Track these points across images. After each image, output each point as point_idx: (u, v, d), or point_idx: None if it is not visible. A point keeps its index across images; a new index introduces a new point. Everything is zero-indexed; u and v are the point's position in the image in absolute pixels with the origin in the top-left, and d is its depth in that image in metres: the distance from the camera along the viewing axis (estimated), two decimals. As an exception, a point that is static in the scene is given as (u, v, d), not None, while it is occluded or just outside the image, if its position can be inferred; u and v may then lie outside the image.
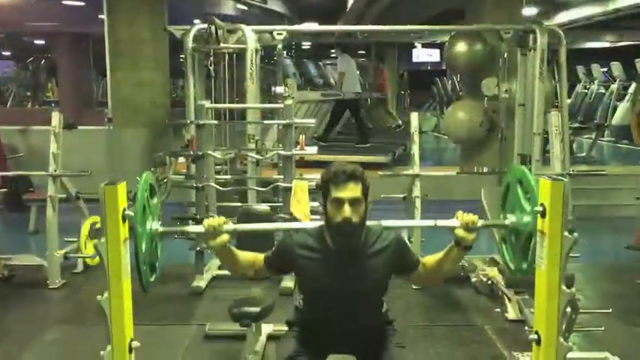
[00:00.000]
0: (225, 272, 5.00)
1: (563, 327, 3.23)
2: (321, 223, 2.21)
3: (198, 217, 4.92)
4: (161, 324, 4.00)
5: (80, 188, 5.25)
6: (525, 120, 6.28)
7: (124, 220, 1.55)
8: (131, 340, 1.62)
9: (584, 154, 10.58)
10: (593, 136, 10.96)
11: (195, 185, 4.98)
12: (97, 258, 4.95)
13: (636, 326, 4.09)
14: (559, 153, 4.88)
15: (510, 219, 1.87)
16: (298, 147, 4.90)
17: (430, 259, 2.25)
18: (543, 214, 1.60)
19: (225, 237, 2.05)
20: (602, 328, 3.60)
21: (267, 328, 3.71)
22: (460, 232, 2.02)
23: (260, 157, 5.23)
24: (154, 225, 1.80)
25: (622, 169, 9.15)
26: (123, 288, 1.54)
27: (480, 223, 1.98)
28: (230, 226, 2.05)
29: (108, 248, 1.52)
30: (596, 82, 13.30)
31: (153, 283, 1.82)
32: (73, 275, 5.05)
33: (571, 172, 5.10)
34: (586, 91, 12.78)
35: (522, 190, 1.80)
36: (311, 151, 5.21)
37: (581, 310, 3.36)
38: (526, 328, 3.57)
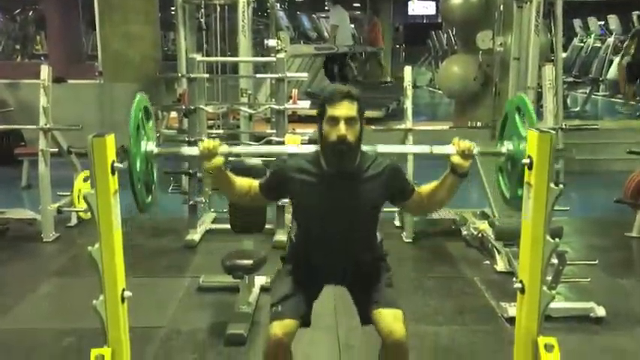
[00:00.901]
0: (219, 226, 5.04)
1: (550, 278, 3.31)
2: (316, 148, 2.21)
3: (190, 171, 4.93)
4: (155, 276, 4.05)
5: (71, 143, 5.22)
6: (520, 74, 6.24)
7: (113, 173, 1.55)
8: (123, 290, 1.64)
9: (578, 108, 10.57)
10: (588, 91, 10.92)
11: (187, 139, 4.95)
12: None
13: (622, 278, 4.17)
14: (552, 107, 4.87)
15: (507, 146, 1.88)
16: (291, 101, 4.87)
17: (426, 188, 2.26)
18: (530, 166, 1.61)
19: (220, 159, 2.06)
20: (589, 280, 3.67)
21: (260, 281, 3.76)
22: (456, 159, 2.03)
23: (252, 112, 5.20)
24: (149, 146, 1.80)
25: (614, 124, 9.17)
26: (114, 239, 1.56)
27: (476, 150, 2.00)
28: (225, 148, 2.05)
29: (98, 200, 1.53)
30: (592, 35, 13.15)
31: (150, 204, 1.83)
32: (66, 229, 5.08)
33: (563, 127, 5.11)
34: (582, 44, 12.65)
35: (520, 118, 1.80)
36: (303, 105, 5.17)
37: (568, 262, 3.43)
38: (514, 279, 3.64)
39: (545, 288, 1.65)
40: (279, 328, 2.16)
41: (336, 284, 2.43)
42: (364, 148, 2.18)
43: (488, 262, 4.36)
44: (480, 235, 4.56)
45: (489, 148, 2.04)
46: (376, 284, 2.31)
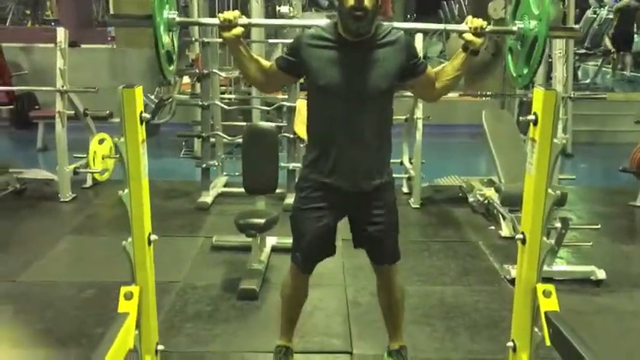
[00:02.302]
0: (231, 189, 5.16)
1: (553, 241, 3.41)
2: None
3: (203, 134, 5.02)
4: (169, 236, 4.16)
5: (86, 106, 5.33)
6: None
7: (141, 122, 1.65)
8: (150, 234, 1.75)
9: (588, 80, 10.52)
10: (599, 63, 10.86)
11: (200, 104, 5.04)
12: (106, 174, 5.11)
13: (624, 244, 4.28)
14: (561, 76, 4.90)
15: (518, 25, 1.95)
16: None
17: (438, 67, 2.33)
18: (535, 122, 1.69)
19: (239, 29, 2.09)
20: (590, 244, 3.77)
21: (271, 241, 3.88)
22: (468, 36, 2.09)
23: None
24: (171, 14, 1.87)
25: (622, 96, 9.15)
26: (142, 185, 1.66)
27: (489, 28, 2.06)
28: (244, 20, 2.09)
29: (127, 148, 1.63)
30: (606, 7, 13.01)
31: (171, 72, 1.91)
32: (82, 190, 5.21)
33: (572, 96, 5.15)
34: (595, 16, 12.52)
35: None
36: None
37: (571, 226, 3.53)
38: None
39: (545, 238, 1.75)
40: (298, 270, 2.39)
41: (348, 211, 2.39)
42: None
43: (493, 227, 4.47)
44: (485, 201, 4.65)
45: (501, 27, 2.12)
46: (383, 222, 2.35)
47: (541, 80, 5.93)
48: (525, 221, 1.78)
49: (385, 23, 2.25)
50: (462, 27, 2.08)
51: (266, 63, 2.32)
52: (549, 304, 1.72)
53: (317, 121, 2.32)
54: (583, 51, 10.56)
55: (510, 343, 1.91)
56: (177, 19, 1.88)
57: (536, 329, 1.79)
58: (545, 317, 1.70)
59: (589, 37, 11.83)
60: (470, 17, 2.11)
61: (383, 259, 2.44)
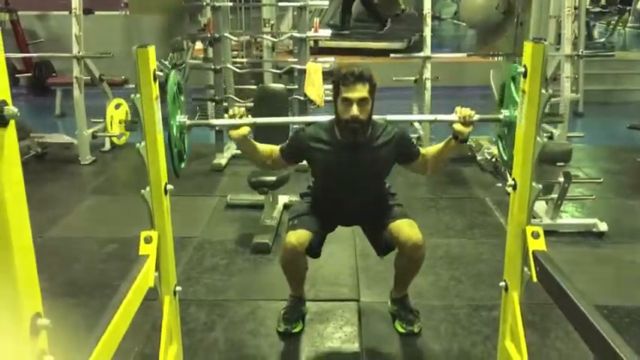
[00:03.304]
0: (244, 151, 5.30)
1: (556, 196, 3.50)
2: (332, 117, 2.43)
3: (216, 97, 5.14)
4: (186, 195, 4.33)
5: (102, 73, 5.47)
6: (542, 2, 6.24)
7: (155, 80, 1.77)
8: (166, 184, 1.90)
9: (603, 39, 10.43)
10: (615, 21, 10.74)
11: (213, 67, 5.15)
12: (123, 138, 5.27)
13: (628, 198, 4.36)
14: (570, 34, 4.92)
15: (504, 113, 2.07)
16: (312, 30, 5.01)
17: (430, 150, 2.50)
18: (525, 75, 1.79)
19: (245, 129, 2.26)
20: (593, 197, 3.87)
21: (283, 199, 4.03)
22: (457, 127, 2.22)
23: (275, 40, 5.34)
24: (182, 118, 2.04)
25: (631, 54, 9.08)
26: (157, 137, 1.80)
27: (476, 117, 2.20)
28: (249, 120, 2.25)
29: (143, 103, 1.76)
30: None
31: (182, 169, 2.10)
32: (101, 153, 5.40)
33: (580, 54, 5.16)
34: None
35: (515, 87, 1.97)
36: (324, 34, 5.30)
37: (573, 180, 3.62)
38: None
39: (534, 184, 1.86)
40: (294, 237, 2.45)
41: (349, 224, 2.76)
42: (374, 117, 2.38)
43: (500, 184, 4.56)
44: (493, 159, 4.74)
45: (488, 115, 2.23)
46: (385, 211, 2.59)
47: (552, 39, 5.95)
48: (516, 168, 1.89)
49: (379, 119, 2.40)
50: (452, 117, 2.20)
51: (271, 151, 2.52)
52: (537, 244, 1.84)
53: (317, 182, 2.66)
54: (598, 9, 10.43)
55: (502, 283, 2.04)
56: (188, 122, 2.06)
57: (525, 269, 1.92)
58: (533, 256, 1.83)
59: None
60: (458, 107, 2.22)
61: (397, 216, 2.54)
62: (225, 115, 2.32)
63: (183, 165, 2.13)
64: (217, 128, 5.13)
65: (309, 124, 2.61)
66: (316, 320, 2.78)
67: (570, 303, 1.61)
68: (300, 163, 2.62)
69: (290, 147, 2.52)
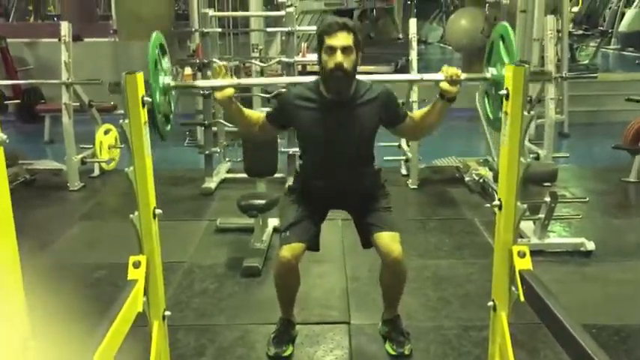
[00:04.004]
0: (234, 175, 5.32)
1: (543, 215, 3.54)
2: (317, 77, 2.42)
3: (206, 122, 5.17)
4: (175, 220, 4.32)
5: (91, 99, 5.49)
6: (526, 26, 6.37)
7: (143, 105, 1.79)
8: (154, 208, 1.90)
9: (587, 61, 10.60)
10: (597, 43, 10.94)
11: (202, 93, 5.19)
12: (112, 163, 5.27)
13: (614, 218, 4.41)
14: (553, 57, 5.02)
15: (491, 72, 2.08)
16: (300, 55, 5.07)
17: (418, 113, 2.50)
18: (507, 97, 1.83)
19: (230, 90, 2.24)
20: (580, 216, 3.91)
21: (272, 222, 4.04)
22: (445, 85, 2.22)
23: (263, 65, 5.40)
24: (166, 80, 2.03)
25: (614, 76, 9.24)
26: (145, 162, 1.81)
27: (463, 76, 2.19)
28: (234, 80, 2.27)
29: (131, 128, 1.78)
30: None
31: (168, 133, 2.08)
32: (90, 179, 5.39)
33: (564, 75, 5.26)
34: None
35: (504, 45, 2.00)
36: (312, 59, 5.35)
37: (560, 200, 3.66)
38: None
39: (519, 203, 1.89)
40: (287, 251, 2.44)
41: (339, 207, 2.67)
42: (360, 77, 2.38)
43: (488, 205, 4.57)
44: (481, 180, 4.78)
45: (475, 74, 2.24)
46: (375, 208, 2.55)
47: (535, 61, 6.06)
48: (501, 188, 1.92)
49: (364, 79, 2.41)
50: (438, 76, 2.20)
51: (257, 116, 2.51)
52: (523, 263, 1.86)
53: (305, 156, 2.61)
54: (581, 32, 10.63)
55: (491, 303, 2.05)
56: (173, 83, 2.05)
57: (513, 288, 1.93)
58: (520, 276, 1.84)
59: (588, 18, 11.90)
60: (445, 66, 2.23)
61: (383, 225, 2.51)
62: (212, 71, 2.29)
63: (169, 127, 2.11)
64: (207, 152, 5.15)
65: (294, 85, 2.60)
66: (306, 343, 2.77)
67: (558, 322, 1.63)
68: (286, 130, 2.61)
69: (276, 110, 2.50)
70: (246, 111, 2.46)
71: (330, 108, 2.40)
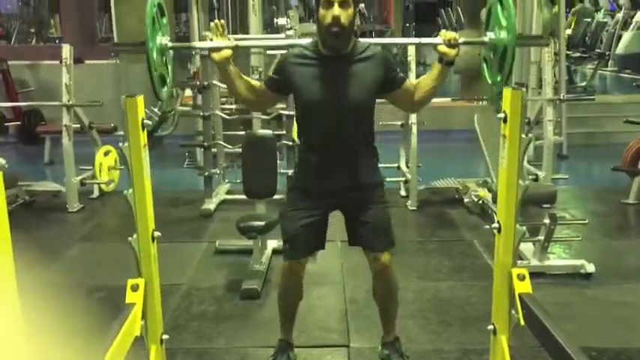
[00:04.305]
0: (233, 196, 5.31)
1: (542, 237, 3.54)
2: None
3: (205, 144, 5.19)
4: (174, 241, 4.30)
5: (91, 120, 5.52)
6: (523, 49, 6.42)
7: (143, 128, 1.80)
8: (153, 230, 1.90)
9: (584, 83, 10.67)
10: (594, 66, 11.01)
11: (201, 114, 5.21)
12: (112, 184, 5.27)
13: (614, 239, 4.40)
14: (550, 79, 5.06)
15: (489, 36, 2.10)
16: (300, 76, 5.09)
17: (416, 80, 2.49)
18: (505, 120, 1.84)
19: (227, 51, 2.23)
20: (579, 238, 3.90)
21: (271, 243, 4.03)
22: (442, 48, 2.22)
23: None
24: (164, 40, 2.02)
25: (618, 98, 9.29)
26: (144, 185, 1.81)
27: (461, 39, 2.20)
28: (232, 41, 2.24)
29: (131, 152, 1.78)
30: (602, 10, 13.21)
31: (165, 94, 2.07)
32: (89, 200, 5.38)
33: (562, 98, 5.29)
34: (589, 20, 12.69)
35: (502, 9, 2.02)
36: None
37: (560, 222, 3.66)
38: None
39: (518, 226, 1.89)
40: (290, 265, 2.48)
41: (338, 199, 2.50)
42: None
43: (488, 226, 4.57)
44: (480, 201, 4.78)
45: (473, 38, 2.25)
46: (369, 214, 2.47)
47: (533, 83, 6.11)
48: (500, 211, 1.92)
49: (362, 40, 2.41)
50: (436, 40, 2.22)
51: (255, 83, 2.48)
52: (523, 286, 1.86)
53: (304, 131, 2.50)
54: (578, 54, 10.70)
55: (491, 327, 2.04)
56: (170, 44, 2.04)
57: (513, 311, 1.93)
58: (520, 299, 1.84)
59: (585, 41, 12.00)
60: (443, 31, 2.26)
61: (377, 244, 2.48)
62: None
63: (165, 89, 2.09)
64: (206, 173, 5.15)
65: (293, 46, 2.55)
66: (305, 367, 2.75)
67: (558, 346, 1.62)
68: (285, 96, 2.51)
69: (274, 73, 2.45)
70: (245, 77, 2.42)
71: (329, 63, 2.35)
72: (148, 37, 1.95)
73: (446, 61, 2.28)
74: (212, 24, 2.24)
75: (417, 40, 2.37)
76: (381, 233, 2.50)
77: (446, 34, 2.23)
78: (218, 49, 2.21)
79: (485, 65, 2.25)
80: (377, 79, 2.37)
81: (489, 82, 2.21)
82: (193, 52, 5.45)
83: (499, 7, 2.06)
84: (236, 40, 2.30)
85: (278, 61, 2.50)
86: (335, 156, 2.42)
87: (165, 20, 2.08)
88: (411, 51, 5.23)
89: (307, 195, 2.49)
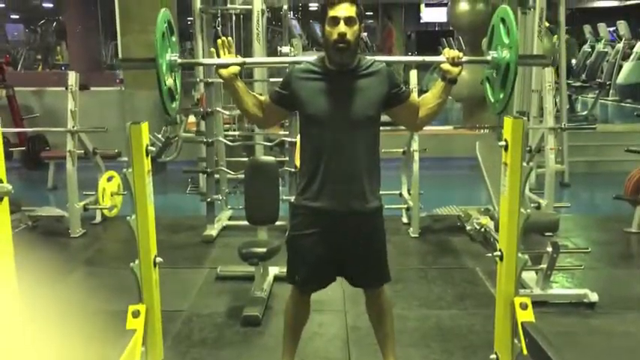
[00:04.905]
0: (235, 222, 5.32)
1: (545, 266, 3.52)
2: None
3: (208, 170, 5.21)
4: (176, 267, 4.30)
5: (95, 146, 5.56)
6: (524, 78, 6.48)
7: (147, 154, 1.82)
8: (155, 256, 1.91)
9: (585, 112, 10.72)
10: (596, 95, 11.08)
11: (205, 141, 5.24)
12: (115, 210, 5.29)
13: (618, 268, 4.38)
14: (551, 108, 5.09)
15: (492, 54, 2.12)
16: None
17: (419, 98, 2.49)
18: (506, 148, 1.85)
19: (235, 67, 2.26)
20: (582, 267, 3.88)
21: (273, 270, 4.02)
22: (446, 66, 2.25)
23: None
24: (173, 57, 2.06)
25: (620, 127, 9.33)
26: (148, 211, 1.83)
27: (465, 58, 2.23)
28: (239, 59, 2.28)
29: (134, 178, 1.80)
30: (602, 41, 13.33)
31: (174, 109, 2.08)
32: (92, 226, 5.39)
33: (563, 127, 5.32)
34: (590, 49, 12.82)
35: (504, 28, 2.04)
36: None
37: (562, 250, 3.65)
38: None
39: (520, 254, 1.89)
40: (301, 293, 2.53)
41: (338, 224, 2.43)
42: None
43: (490, 254, 4.56)
44: (482, 229, 4.77)
45: (476, 57, 2.27)
46: (369, 247, 2.48)
47: (535, 112, 6.14)
48: (502, 239, 1.93)
49: (367, 57, 2.44)
50: (440, 58, 2.25)
51: (262, 98, 2.50)
52: (526, 315, 1.85)
53: (308, 149, 2.47)
54: (579, 83, 10.77)
55: (493, 356, 2.03)
56: (179, 60, 2.07)
57: (515, 340, 1.91)
58: (522, 327, 1.83)
59: (586, 70, 12.10)
60: (447, 49, 2.31)
61: (374, 284, 2.53)
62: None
63: (175, 105, 2.10)
64: (209, 199, 5.17)
65: (299, 63, 2.54)
66: (306, 396, 2.72)
67: (561, 375, 1.61)
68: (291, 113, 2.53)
69: (280, 88, 2.45)
70: (251, 93, 2.44)
71: (335, 78, 2.36)
72: (157, 52, 1.99)
73: (449, 79, 2.30)
74: (219, 41, 2.27)
75: (420, 58, 2.41)
76: (376, 272, 2.52)
77: (449, 52, 2.27)
78: (225, 65, 2.24)
79: (487, 84, 2.27)
80: (382, 93, 2.38)
81: (492, 100, 2.23)
82: (198, 80, 5.49)
83: (501, 25, 2.09)
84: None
85: (284, 77, 2.51)
86: (338, 173, 2.38)
87: (174, 38, 2.12)
88: (413, 80, 5.27)
89: (309, 218, 2.45)
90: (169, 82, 2.04)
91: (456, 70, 2.26)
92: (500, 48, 2.09)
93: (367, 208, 2.42)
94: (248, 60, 2.27)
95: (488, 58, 2.17)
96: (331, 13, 2.29)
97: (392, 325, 2.67)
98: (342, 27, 2.26)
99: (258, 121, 2.54)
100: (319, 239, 2.44)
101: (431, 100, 2.42)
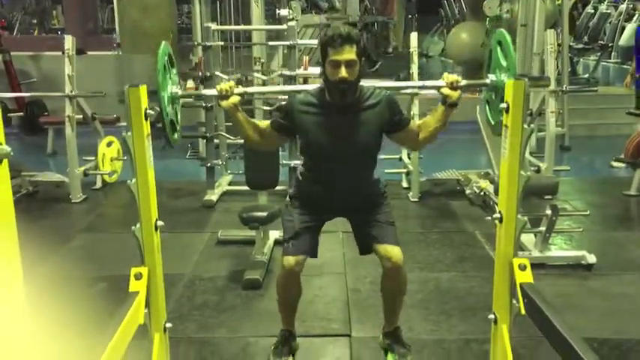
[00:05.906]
0: (235, 187, 5.33)
1: (544, 229, 3.55)
2: (320, 85, 2.44)
3: (207, 134, 5.19)
4: (176, 232, 4.32)
5: (94, 112, 5.53)
6: (527, 40, 6.42)
7: (146, 118, 1.81)
8: (156, 220, 1.91)
9: (587, 75, 10.64)
10: (597, 57, 10.98)
11: (204, 105, 5.21)
12: (115, 175, 5.29)
13: (615, 231, 4.41)
14: (553, 70, 5.04)
15: (491, 77, 2.12)
16: (302, 68, 5.10)
17: (420, 121, 2.51)
18: (507, 110, 1.84)
19: (235, 98, 2.29)
20: (581, 229, 3.91)
21: (274, 234, 4.04)
22: (446, 91, 2.26)
23: (265, 78, 5.43)
24: (174, 89, 2.09)
25: (615, 89, 9.27)
26: (148, 174, 1.82)
27: (464, 82, 2.23)
28: (240, 89, 2.30)
29: (134, 141, 1.79)
30: (605, 2, 13.13)
31: (176, 140, 2.15)
32: (92, 191, 5.40)
33: (564, 89, 5.28)
34: (593, 11, 12.63)
35: (501, 51, 2.04)
36: (314, 72, 5.39)
37: (561, 214, 3.67)
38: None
39: (519, 216, 1.90)
40: (289, 261, 2.46)
41: (339, 215, 2.64)
42: (363, 83, 2.39)
43: (489, 217, 4.58)
44: (482, 192, 4.79)
45: (475, 80, 2.28)
46: (377, 220, 2.53)
47: (536, 74, 6.09)
48: (502, 201, 1.93)
49: (367, 84, 2.43)
50: (439, 83, 2.25)
51: (262, 124, 2.53)
52: (524, 276, 1.87)
53: (309, 163, 2.57)
54: (581, 46, 10.66)
55: (491, 316, 2.05)
56: (180, 92, 2.13)
57: (514, 301, 1.94)
58: (521, 288, 1.85)
59: (588, 32, 11.95)
60: (446, 73, 2.28)
61: (388, 238, 2.50)
62: (216, 88, 2.29)
63: (176, 135, 2.16)
64: (208, 164, 5.17)
65: (299, 92, 2.60)
66: (307, 357, 2.77)
67: (559, 336, 1.63)
68: (290, 137, 2.57)
69: (280, 114, 2.50)
70: (252, 120, 2.48)
71: (334, 112, 2.40)
72: (159, 85, 2.02)
73: (449, 103, 2.30)
74: (218, 87, 2.29)
75: (420, 83, 2.43)
76: (390, 232, 2.53)
77: (448, 77, 2.26)
78: (226, 97, 2.27)
79: (487, 106, 2.28)
80: (382, 123, 2.43)
81: (492, 122, 2.24)
82: (196, 43, 5.43)
83: (499, 49, 2.08)
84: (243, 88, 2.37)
85: (284, 106, 2.54)
86: (338, 182, 2.49)
87: (175, 71, 2.14)
88: (415, 109, 5.16)
89: (308, 210, 2.57)
90: (171, 112, 2.06)
91: (455, 94, 2.26)
92: (499, 71, 2.09)
93: (364, 206, 2.57)
94: (249, 90, 2.29)
95: (487, 81, 2.16)
96: (332, 56, 2.27)
97: (402, 303, 2.67)
98: (343, 72, 2.27)
99: (260, 145, 2.58)
100: (316, 218, 2.57)
101: (432, 124, 2.43)
